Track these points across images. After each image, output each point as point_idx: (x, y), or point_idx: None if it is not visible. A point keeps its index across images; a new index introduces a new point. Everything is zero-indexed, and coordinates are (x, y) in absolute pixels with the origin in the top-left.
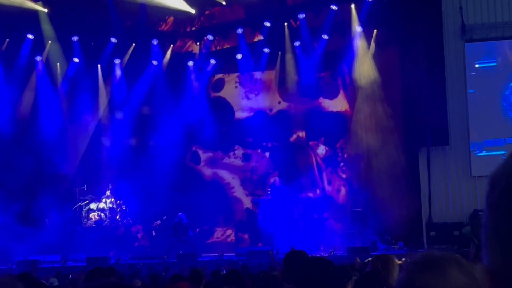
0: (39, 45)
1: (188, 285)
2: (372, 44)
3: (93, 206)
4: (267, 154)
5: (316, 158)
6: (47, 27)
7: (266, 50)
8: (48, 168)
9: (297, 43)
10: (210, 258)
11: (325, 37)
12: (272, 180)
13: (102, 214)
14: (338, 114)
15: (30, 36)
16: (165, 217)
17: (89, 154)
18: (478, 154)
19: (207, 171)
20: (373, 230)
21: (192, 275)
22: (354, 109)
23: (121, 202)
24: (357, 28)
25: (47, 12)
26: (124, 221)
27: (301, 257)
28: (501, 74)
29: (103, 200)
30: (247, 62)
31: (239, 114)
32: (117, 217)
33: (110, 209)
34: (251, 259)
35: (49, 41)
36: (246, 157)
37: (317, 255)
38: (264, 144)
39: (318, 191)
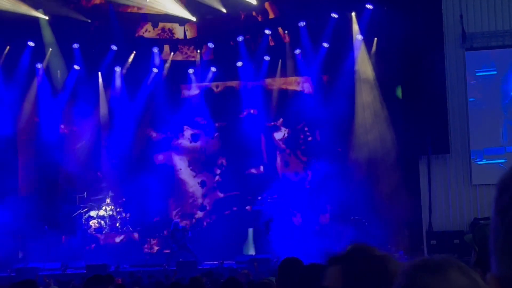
0: (39, 52)
1: None
2: (373, 52)
3: (93, 213)
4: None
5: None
6: (47, 34)
7: (267, 58)
8: (48, 175)
9: (297, 51)
10: (210, 266)
11: (325, 45)
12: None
13: (102, 222)
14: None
15: (31, 44)
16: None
17: (89, 161)
18: (479, 162)
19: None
20: (373, 239)
21: (192, 283)
22: (355, 115)
23: (121, 209)
24: (357, 36)
25: (47, 20)
26: (124, 228)
27: (296, 265)
28: (501, 82)
29: (103, 208)
30: (248, 70)
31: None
32: (117, 224)
33: (110, 216)
34: (251, 266)
35: (50, 49)
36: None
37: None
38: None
39: (261, 167)
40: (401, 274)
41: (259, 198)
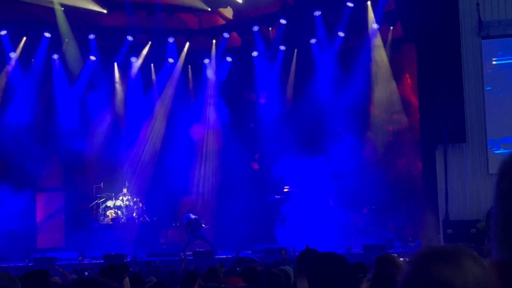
0: (56, 43)
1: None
2: (389, 41)
3: (109, 203)
4: None
5: None
6: (63, 25)
7: (282, 47)
8: (65, 165)
9: (313, 41)
10: (226, 256)
11: (341, 34)
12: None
13: (119, 212)
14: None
15: (47, 35)
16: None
17: (105, 151)
18: (496, 151)
19: None
20: (389, 228)
21: (208, 272)
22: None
23: (137, 199)
24: (373, 25)
25: (63, 10)
26: (141, 218)
27: (314, 254)
28: None
29: (120, 198)
30: (263, 59)
31: None
32: (134, 214)
33: (127, 206)
34: (267, 256)
35: (66, 39)
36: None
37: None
38: None
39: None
40: (410, 263)
41: (286, 188)
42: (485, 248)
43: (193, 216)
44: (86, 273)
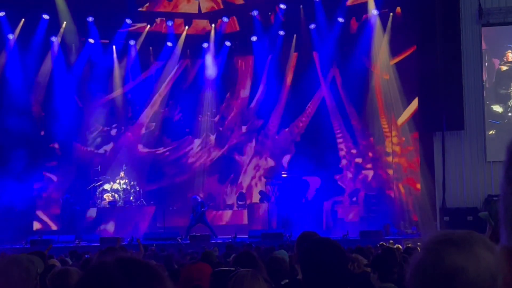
0: (54, 26)
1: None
2: (388, 28)
3: (107, 187)
4: None
5: None
6: (62, 7)
7: (281, 32)
8: (62, 148)
9: (312, 26)
10: (223, 240)
11: (340, 20)
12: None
13: (116, 195)
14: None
15: (46, 16)
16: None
17: (103, 135)
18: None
19: None
20: (386, 214)
21: (204, 256)
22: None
23: (134, 183)
24: (373, 11)
25: None
26: (138, 202)
27: (310, 239)
28: None
29: (117, 181)
30: (263, 44)
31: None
32: (131, 198)
33: (124, 190)
34: (264, 241)
35: (65, 22)
36: None
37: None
38: None
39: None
40: (422, 250)
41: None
42: (486, 234)
43: (200, 199)
44: (87, 256)
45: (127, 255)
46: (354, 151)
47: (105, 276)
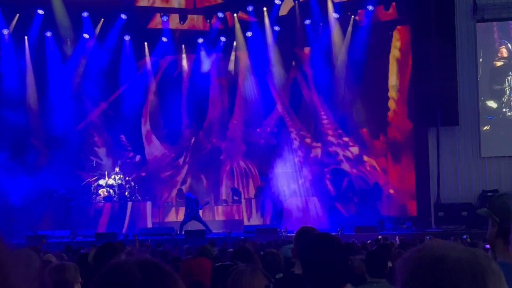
0: (49, 21)
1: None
2: (383, 23)
3: (102, 182)
4: None
5: None
6: (57, 3)
7: (276, 28)
8: (58, 143)
9: (307, 22)
10: (218, 236)
11: (335, 15)
12: None
13: (111, 190)
14: None
15: (41, 12)
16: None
17: (98, 129)
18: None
19: None
20: (381, 210)
21: (201, 251)
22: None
23: (129, 178)
24: (368, 7)
25: None
26: (133, 197)
27: (310, 234)
28: None
29: (112, 176)
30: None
31: None
32: (126, 193)
33: (119, 185)
34: (259, 236)
35: (60, 17)
36: None
37: (325, 233)
38: None
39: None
40: (422, 271)
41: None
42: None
43: (193, 196)
44: (83, 251)
45: (146, 257)
46: (347, 140)
47: (127, 277)
